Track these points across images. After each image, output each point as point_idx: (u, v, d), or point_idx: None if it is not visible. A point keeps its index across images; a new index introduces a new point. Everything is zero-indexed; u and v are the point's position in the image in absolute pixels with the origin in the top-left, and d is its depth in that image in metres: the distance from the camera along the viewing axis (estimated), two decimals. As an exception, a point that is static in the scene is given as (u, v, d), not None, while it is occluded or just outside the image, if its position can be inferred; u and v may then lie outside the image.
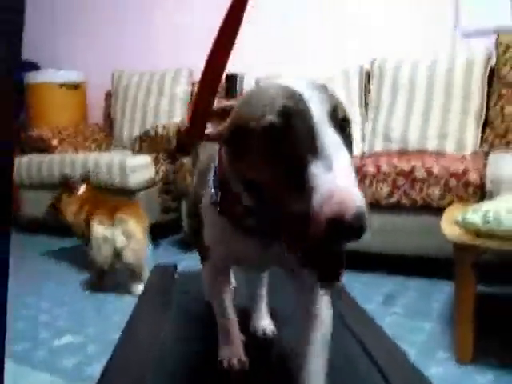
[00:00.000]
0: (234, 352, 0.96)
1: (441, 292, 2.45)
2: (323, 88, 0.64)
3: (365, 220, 0.52)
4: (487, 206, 1.68)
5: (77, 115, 4.54)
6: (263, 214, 0.65)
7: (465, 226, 1.68)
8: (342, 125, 0.60)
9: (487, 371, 1.73)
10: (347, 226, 0.51)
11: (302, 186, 0.54)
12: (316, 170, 0.54)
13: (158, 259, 3.20)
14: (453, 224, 1.74)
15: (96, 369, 1.80)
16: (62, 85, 4.40)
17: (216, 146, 0.79)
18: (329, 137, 0.56)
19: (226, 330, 0.98)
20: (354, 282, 2.62)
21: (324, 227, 0.51)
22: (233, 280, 1.37)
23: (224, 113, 0.71)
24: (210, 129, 0.71)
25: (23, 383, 1.66)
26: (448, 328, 2.04)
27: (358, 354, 1.10)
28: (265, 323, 1.14)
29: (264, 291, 1.17)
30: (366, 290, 2.55)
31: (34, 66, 4.60)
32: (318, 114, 0.58)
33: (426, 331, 2.06)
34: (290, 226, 0.57)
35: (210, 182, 0.79)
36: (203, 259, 0.94)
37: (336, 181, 0.52)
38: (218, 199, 0.76)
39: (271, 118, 0.59)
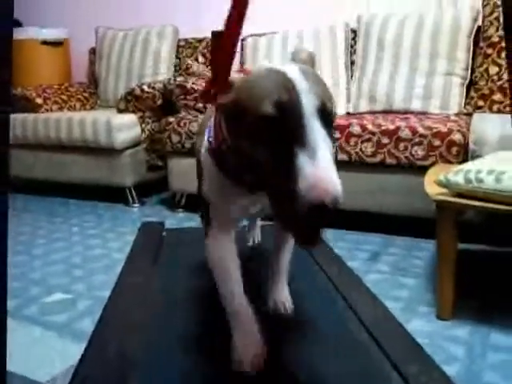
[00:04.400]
0: (251, 347, 0.87)
1: (424, 250, 2.52)
2: (315, 77, 0.71)
3: (339, 204, 0.63)
4: (469, 166, 1.72)
5: (61, 73, 4.47)
6: (253, 181, 0.76)
7: (447, 185, 1.72)
8: (328, 119, 0.68)
9: (465, 325, 1.79)
10: (325, 210, 0.61)
11: (289, 171, 0.63)
12: (302, 159, 0.63)
13: (144, 218, 3.24)
14: (435, 183, 1.78)
15: (87, 324, 1.85)
16: (44, 42, 4.32)
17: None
18: (315, 131, 0.65)
19: (238, 319, 0.90)
20: (340, 240, 2.68)
21: (306, 209, 0.61)
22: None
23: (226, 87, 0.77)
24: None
25: (16, 337, 1.69)
26: (430, 284, 2.11)
27: (342, 309, 1.14)
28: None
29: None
30: (351, 247, 2.60)
31: (15, 23, 4.51)
32: (309, 108, 0.66)
33: (409, 287, 2.12)
34: (276, 200, 0.69)
35: (207, 136, 0.88)
36: (206, 227, 0.95)
37: (319, 171, 0.62)
38: (210, 144, 0.86)
39: (267, 109, 0.66)
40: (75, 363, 0.96)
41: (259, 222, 1.56)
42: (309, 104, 0.66)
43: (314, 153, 0.63)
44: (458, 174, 1.69)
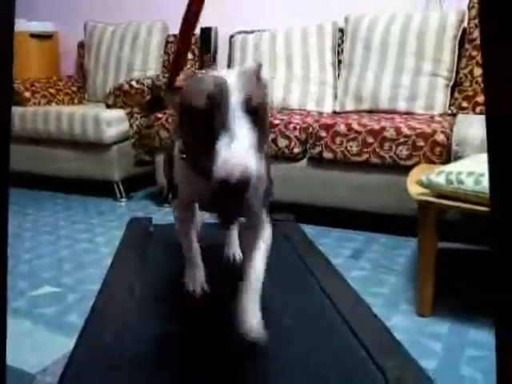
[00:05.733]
0: (196, 279, 1.21)
1: (406, 248, 2.57)
2: (249, 78, 0.86)
3: (247, 184, 0.72)
4: (450, 168, 1.77)
5: (49, 66, 4.47)
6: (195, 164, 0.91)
7: (429, 186, 1.77)
8: (253, 111, 0.80)
9: (444, 323, 1.85)
10: (232, 186, 0.71)
11: (212, 152, 0.76)
12: (221, 143, 0.75)
13: (131, 212, 3.27)
14: (417, 184, 1.83)
15: (75, 317, 1.88)
16: (33, 35, 4.31)
17: None
18: (237, 119, 0.77)
19: (190, 261, 1.23)
20: (324, 237, 2.72)
21: (218, 185, 0.72)
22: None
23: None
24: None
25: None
26: (411, 282, 2.16)
27: (325, 306, 1.19)
28: (234, 250, 1.48)
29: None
30: (335, 244, 2.65)
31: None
32: (234, 101, 0.79)
33: (390, 284, 2.17)
34: (206, 176, 0.78)
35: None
36: (174, 197, 1.21)
37: (231, 152, 0.73)
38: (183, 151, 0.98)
39: (200, 102, 0.81)
40: (65, 355, 0.99)
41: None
42: (235, 98, 0.79)
43: (232, 137, 0.75)
44: (439, 175, 1.74)
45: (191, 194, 1.11)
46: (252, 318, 0.94)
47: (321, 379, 0.91)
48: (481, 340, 1.73)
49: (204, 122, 0.79)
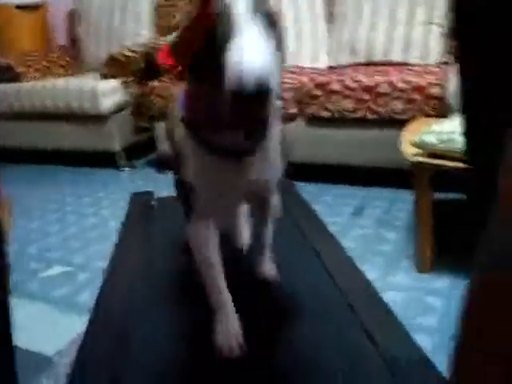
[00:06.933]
0: (231, 332, 0.94)
1: (407, 201, 2.59)
2: None
3: (265, 87, 0.61)
4: (442, 127, 1.78)
5: (39, 39, 4.41)
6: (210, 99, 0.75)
7: (421, 146, 1.78)
8: (267, 18, 0.70)
9: (444, 278, 1.90)
10: (247, 96, 0.61)
11: (224, 63, 0.65)
12: (231, 52, 0.64)
13: (135, 180, 3.31)
14: (411, 144, 1.84)
15: (88, 296, 1.94)
16: (19, 6, 4.24)
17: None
18: (247, 24, 0.66)
19: (220, 307, 0.96)
20: (325, 195, 2.76)
21: (232, 99, 0.63)
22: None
23: None
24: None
25: (18, 313, 1.78)
26: (412, 237, 2.19)
27: (323, 280, 1.22)
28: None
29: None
30: (336, 201, 2.69)
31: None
32: (243, 7, 0.68)
33: (391, 241, 2.22)
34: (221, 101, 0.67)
35: (180, 108, 0.89)
36: (188, 213, 0.95)
37: (240, 58, 0.62)
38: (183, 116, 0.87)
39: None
40: (80, 335, 1.04)
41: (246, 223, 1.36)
42: (243, 4, 0.68)
43: (240, 42, 0.64)
44: (431, 135, 1.76)
45: (210, 189, 0.90)
46: (267, 266, 1.14)
47: (313, 350, 0.95)
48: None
49: (213, 36, 0.68)
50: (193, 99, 0.84)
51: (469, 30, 0.57)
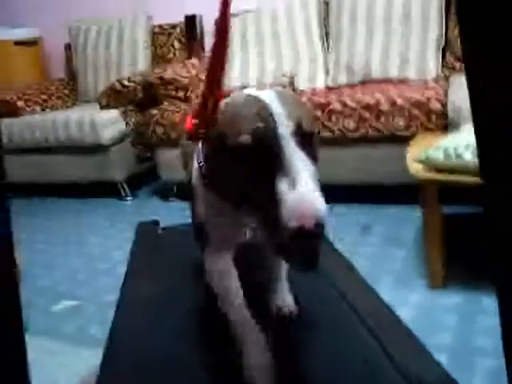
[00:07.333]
0: (262, 367, 0.88)
1: (413, 218, 2.58)
2: (292, 100, 0.74)
3: (324, 225, 0.64)
4: (447, 142, 1.77)
5: (37, 73, 4.44)
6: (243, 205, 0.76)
7: (428, 162, 1.78)
8: (306, 140, 0.70)
9: (456, 293, 1.87)
10: (309, 234, 0.62)
11: (272, 199, 0.65)
12: (282, 187, 0.64)
13: (138, 210, 3.30)
14: (417, 162, 1.83)
15: (97, 330, 1.92)
16: (17, 42, 4.28)
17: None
18: (293, 155, 0.66)
19: (247, 340, 0.91)
20: (331, 216, 2.73)
21: (291, 237, 0.63)
22: None
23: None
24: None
25: (29, 350, 1.76)
26: (422, 254, 2.17)
27: (334, 298, 1.20)
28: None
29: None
30: (342, 221, 2.66)
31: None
32: (285, 133, 0.68)
33: (400, 259, 2.20)
34: (264, 227, 0.70)
35: (197, 162, 0.89)
36: (204, 245, 0.96)
37: (298, 197, 0.63)
38: (205, 172, 0.86)
39: (246, 137, 0.69)
40: (91, 371, 1.01)
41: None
42: (285, 129, 0.68)
43: (294, 178, 0.64)
44: (437, 151, 1.75)
45: (224, 231, 0.92)
46: (285, 299, 1.07)
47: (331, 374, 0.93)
48: (495, 308, 1.75)
49: (251, 161, 0.69)
50: (214, 171, 0.83)
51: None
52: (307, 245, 0.66)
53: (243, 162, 0.70)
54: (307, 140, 0.70)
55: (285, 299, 1.08)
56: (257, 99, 0.73)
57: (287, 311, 1.06)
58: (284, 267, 1.09)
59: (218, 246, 0.94)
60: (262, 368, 0.88)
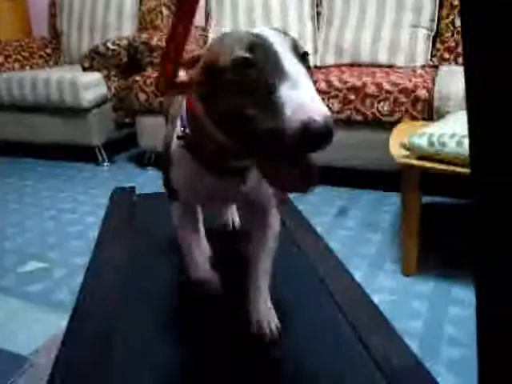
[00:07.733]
0: (204, 273, 0.98)
1: (391, 204, 2.59)
2: (285, 32, 0.72)
3: (332, 127, 0.58)
4: (432, 129, 1.76)
5: (20, 29, 4.33)
6: (239, 144, 0.70)
7: (411, 148, 1.76)
8: (303, 58, 0.68)
9: (428, 281, 1.89)
10: (318, 133, 0.57)
11: (271, 106, 0.61)
12: (284, 89, 0.60)
13: (115, 176, 3.25)
14: (400, 146, 1.82)
15: (64, 293, 1.88)
16: (0, -5, 4.16)
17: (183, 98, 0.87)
18: (293, 64, 0.64)
19: (191, 256, 0.99)
20: (309, 196, 2.73)
21: (297, 136, 0.57)
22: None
23: (193, 62, 0.76)
24: (181, 77, 0.72)
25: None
26: (397, 240, 2.18)
27: (314, 283, 1.20)
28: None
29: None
30: (320, 202, 2.66)
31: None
32: (283, 46, 0.66)
33: (376, 243, 2.20)
34: (263, 146, 0.63)
35: (178, 126, 0.86)
36: (171, 200, 0.99)
37: (304, 95, 0.59)
38: (186, 135, 0.83)
39: (240, 52, 0.66)
40: (56, 334, 0.99)
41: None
42: (282, 43, 0.66)
43: (295, 81, 0.61)
44: (421, 138, 1.74)
45: (197, 196, 0.94)
46: (265, 313, 0.95)
47: (303, 355, 0.93)
48: (464, 298, 1.77)
49: (248, 75, 0.64)
50: (199, 126, 0.78)
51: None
52: (313, 146, 0.59)
53: (240, 80, 0.65)
54: (304, 58, 0.68)
55: (266, 313, 0.96)
56: (248, 30, 0.71)
57: (267, 329, 0.94)
58: (267, 275, 1.00)
59: (187, 202, 0.98)
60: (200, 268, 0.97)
